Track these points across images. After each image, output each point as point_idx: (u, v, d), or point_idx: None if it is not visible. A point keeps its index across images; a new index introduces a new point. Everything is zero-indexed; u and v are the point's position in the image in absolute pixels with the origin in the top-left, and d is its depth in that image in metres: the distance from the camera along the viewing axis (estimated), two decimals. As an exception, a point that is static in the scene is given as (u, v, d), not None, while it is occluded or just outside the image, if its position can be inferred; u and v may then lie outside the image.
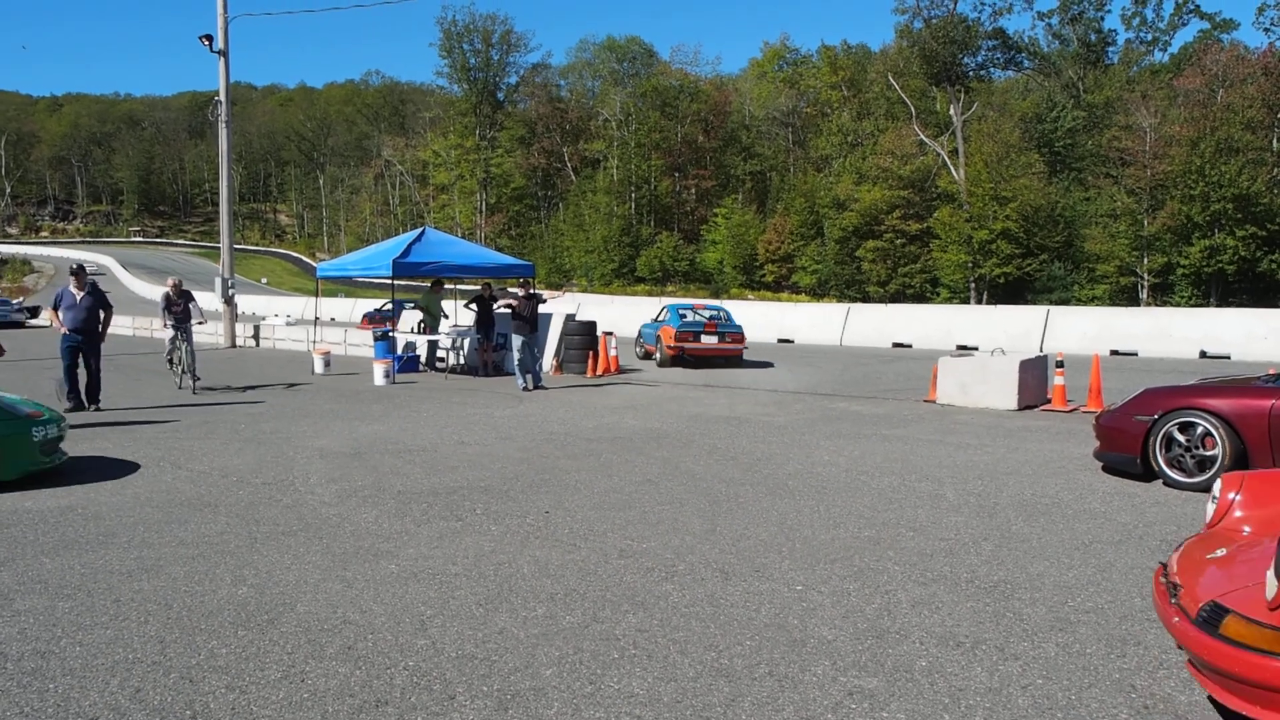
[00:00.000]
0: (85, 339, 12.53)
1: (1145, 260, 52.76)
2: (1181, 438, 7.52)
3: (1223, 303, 47.22)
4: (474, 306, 17.65)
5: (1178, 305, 47.12)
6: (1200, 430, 7.42)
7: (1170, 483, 7.54)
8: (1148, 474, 7.73)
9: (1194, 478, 7.40)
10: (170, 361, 16.05)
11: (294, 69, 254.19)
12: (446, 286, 21.01)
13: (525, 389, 14.95)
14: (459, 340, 19.06)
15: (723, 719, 3.54)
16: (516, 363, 15.25)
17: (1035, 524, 6.39)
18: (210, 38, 25.79)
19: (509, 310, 15.45)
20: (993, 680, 3.87)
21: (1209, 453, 7.37)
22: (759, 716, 3.56)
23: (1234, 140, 49.79)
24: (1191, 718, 3.54)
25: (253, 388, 15.62)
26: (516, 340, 15.15)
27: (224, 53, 26.13)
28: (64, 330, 12.46)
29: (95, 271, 15.57)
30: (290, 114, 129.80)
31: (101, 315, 12.80)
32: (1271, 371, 7.58)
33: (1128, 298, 52.37)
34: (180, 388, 14.98)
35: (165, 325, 16.32)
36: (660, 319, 21.22)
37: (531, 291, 15.83)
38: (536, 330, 15.58)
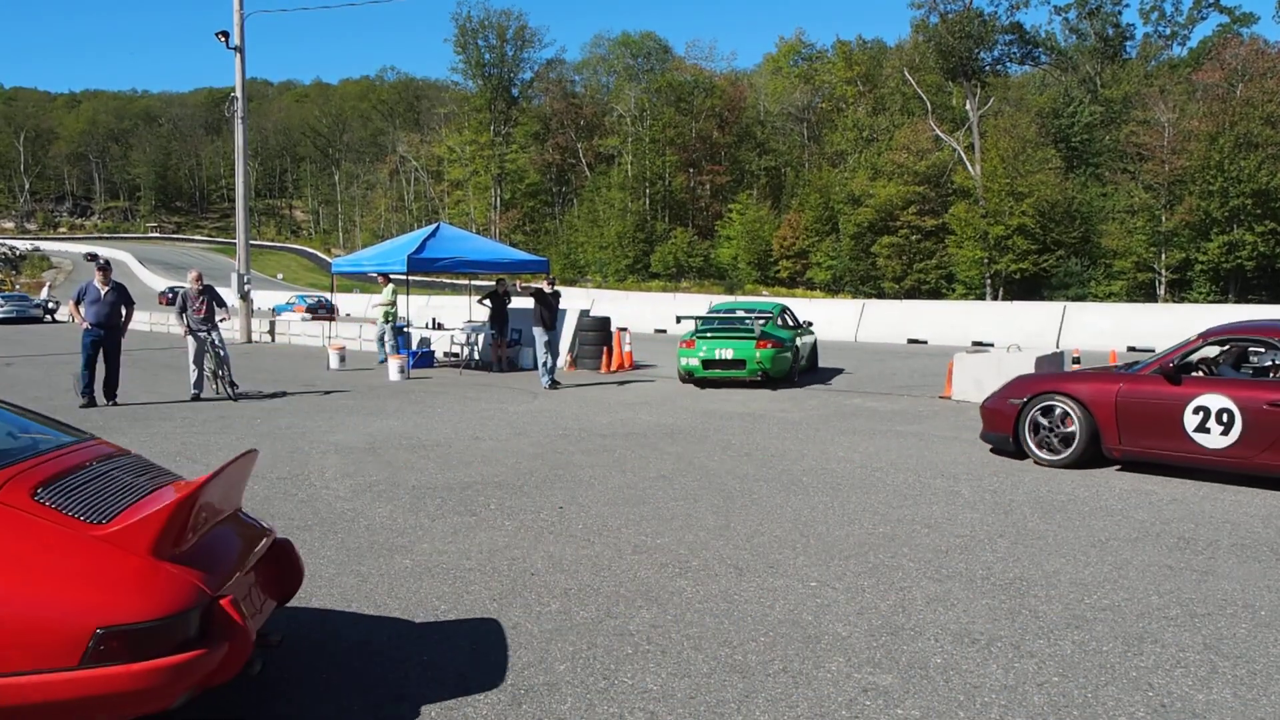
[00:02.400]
0: (107, 333, 12.63)
1: (1163, 256, 52.43)
2: (1044, 420, 8.43)
3: (1241, 299, 46.86)
4: (488, 303, 17.67)
5: (1196, 302, 46.79)
6: (1060, 411, 8.33)
7: (1038, 460, 8.41)
8: (1019, 452, 8.58)
9: (1058, 454, 8.30)
10: (203, 370, 13.59)
11: (310, 65, 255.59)
12: (460, 283, 21.08)
13: (547, 386, 14.67)
14: (473, 336, 19.10)
15: (736, 715, 3.54)
16: (540, 361, 14.96)
17: (1051, 521, 6.35)
18: (226, 34, 25.90)
19: (535, 297, 15.05)
20: (1008, 678, 3.85)
21: (1068, 430, 8.26)
22: (773, 713, 3.55)
23: (1253, 135, 49.38)
24: (1209, 716, 3.51)
25: (282, 393, 15.66)
26: (539, 337, 14.92)
27: (240, 49, 26.23)
28: (86, 325, 12.56)
29: (101, 266, 15.69)
30: (306, 110, 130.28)
31: (124, 311, 12.91)
32: (1116, 361, 8.42)
33: (1145, 294, 52.05)
34: (218, 393, 13.58)
35: (186, 331, 13.62)
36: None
37: (555, 289, 15.67)
38: (555, 328, 15.33)
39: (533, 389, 14.44)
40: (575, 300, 29.67)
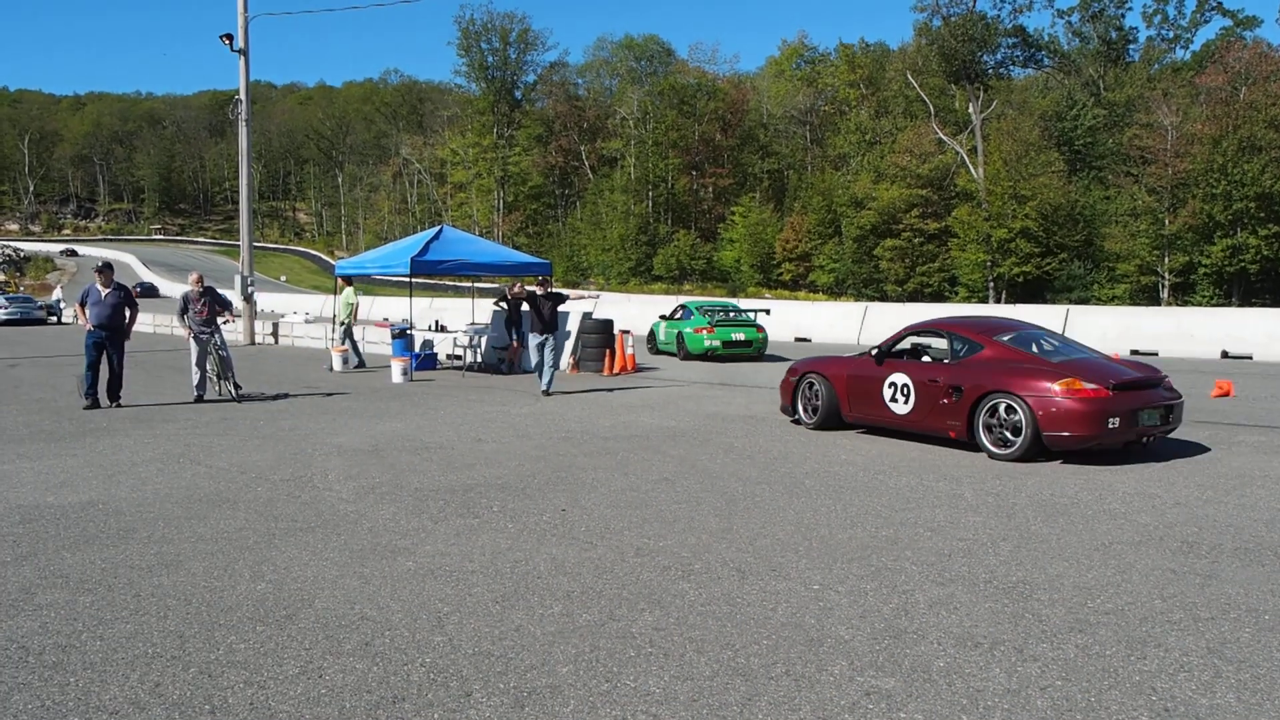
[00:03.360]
0: (110, 335, 12.66)
1: (1166, 259, 52.35)
2: (808, 393, 10.92)
3: (1245, 303, 46.80)
4: (504, 305, 17.71)
5: (1199, 305, 46.71)
6: (816, 387, 10.80)
7: (803, 423, 10.93)
8: (796, 419, 11.03)
9: (813, 419, 10.80)
10: (205, 372, 13.63)
11: (313, 68, 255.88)
12: (463, 285, 21.16)
13: (546, 392, 14.22)
14: (475, 338, 19.11)
15: (739, 718, 3.53)
16: (534, 364, 14.54)
17: (1054, 524, 6.34)
18: (231, 37, 25.95)
19: (527, 301, 14.62)
20: (1011, 681, 3.84)
21: (818, 402, 10.73)
22: (775, 716, 3.55)
23: (1257, 138, 49.28)
24: (1213, 721, 3.51)
25: (285, 395, 15.67)
26: (533, 340, 14.43)
27: (244, 52, 26.28)
28: (89, 326, 12.59)
29: (100, 267, 15.62)
30: (309, 112, 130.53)
31: (127, 313, 12.93)
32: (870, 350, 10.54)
33: (1148, 297, 51.98)
34: (221, 394, 13.64)
35: (189, 334, 13.60)
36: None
37: (552, 290, 15.04)
38: (555, 331, 14.68)
39: (535, 391, 14.44)
40: (578, 303, 29.60)
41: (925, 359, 10.19)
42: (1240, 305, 44.80)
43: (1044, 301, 47.84)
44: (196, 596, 4.91)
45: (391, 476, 8.03)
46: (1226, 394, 13.26)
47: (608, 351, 17.68)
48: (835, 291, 63.43)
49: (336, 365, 18.49)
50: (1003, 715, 3.54)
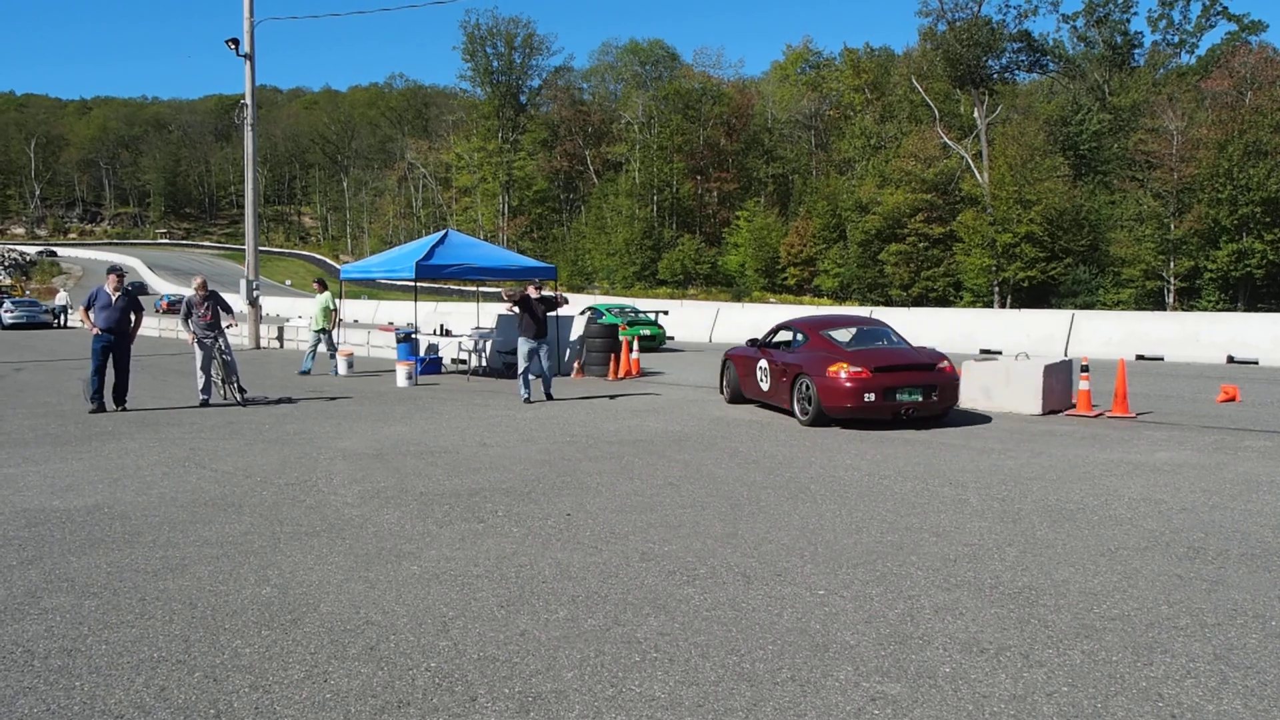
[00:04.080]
0: (116, 339, 12.67)
1: (1171, 264, 52.28)
2: (726, 375, 13.84)
3: (1250, 307, 46.72)
4: (516, 309, 17.69)
5: (1204, 309, 46.62)
6: (730, 370, 13.68)
7: (725, 397, 13.86)
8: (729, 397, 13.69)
9: (727, 395, 13.76)
10: (210, 376, 13.60)
11: (318, 72, 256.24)
12: (468, 290, 21.14)
13: (527, 399, 13.85)
14: (480, 343, 19.12)
15: (744, 723, 3.53)
16: (520, 370, 14.12)
17: (1060, 530, 6.33)
18: (236, 41, 26.00)
19: (519, 304, 14.16)
20: (1017, 687, 3.83)
21: (730, 383, 13.68)
22: (781, 721, 3.54)
23: (1262, 143, 49.25)
24: (1220, 727, 3.49)
25: (289, 399, 15.69)
26: (523, 346, 13.98)
27: (250, 56, 26.34)
28: (96, 330, 12.60)
29: (113, 270, 15.63)
30: (315, 117, 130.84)
31: (133, 317, 12.95)
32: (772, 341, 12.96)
33: (1154, 302, 51.90)
34: (226, 399, 13.64)
35: (193, 339, 13.54)
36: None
37: (544, 294, 14.75)
38: (545, 335, 14.25)
39: (536, 396, 14.37)
40: (583, 306, 29.70)
41: (782, 348, 12.53)
42: (1246, 310, 44.69)
43: (1049, 306, 47.78)
44: (201, 601, 4.91)
45: (396, 481, 8.03)
46: (1232, 399, 13.21)
47: (613, 356, 17.69)
48: (840, 296, 63.41)
49: (341, 369, 18.51)
50: (1009, 721, 3.53)
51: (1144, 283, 52.90)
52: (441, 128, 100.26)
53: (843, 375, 10.90)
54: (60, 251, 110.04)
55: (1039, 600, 4.89)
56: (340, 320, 21.05)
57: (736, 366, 13.43)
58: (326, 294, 19.62)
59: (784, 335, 12.73)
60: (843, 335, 12.12)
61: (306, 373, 18.37)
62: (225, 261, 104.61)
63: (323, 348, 19.15)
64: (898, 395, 10.89)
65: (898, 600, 4.89)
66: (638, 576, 5.31)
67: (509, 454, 9.39)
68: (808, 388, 11.26)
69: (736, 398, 13.46)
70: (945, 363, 11.51)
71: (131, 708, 3.66)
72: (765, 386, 12.45)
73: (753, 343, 13.28)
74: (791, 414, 11.75)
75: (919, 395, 10.94)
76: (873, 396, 10.78)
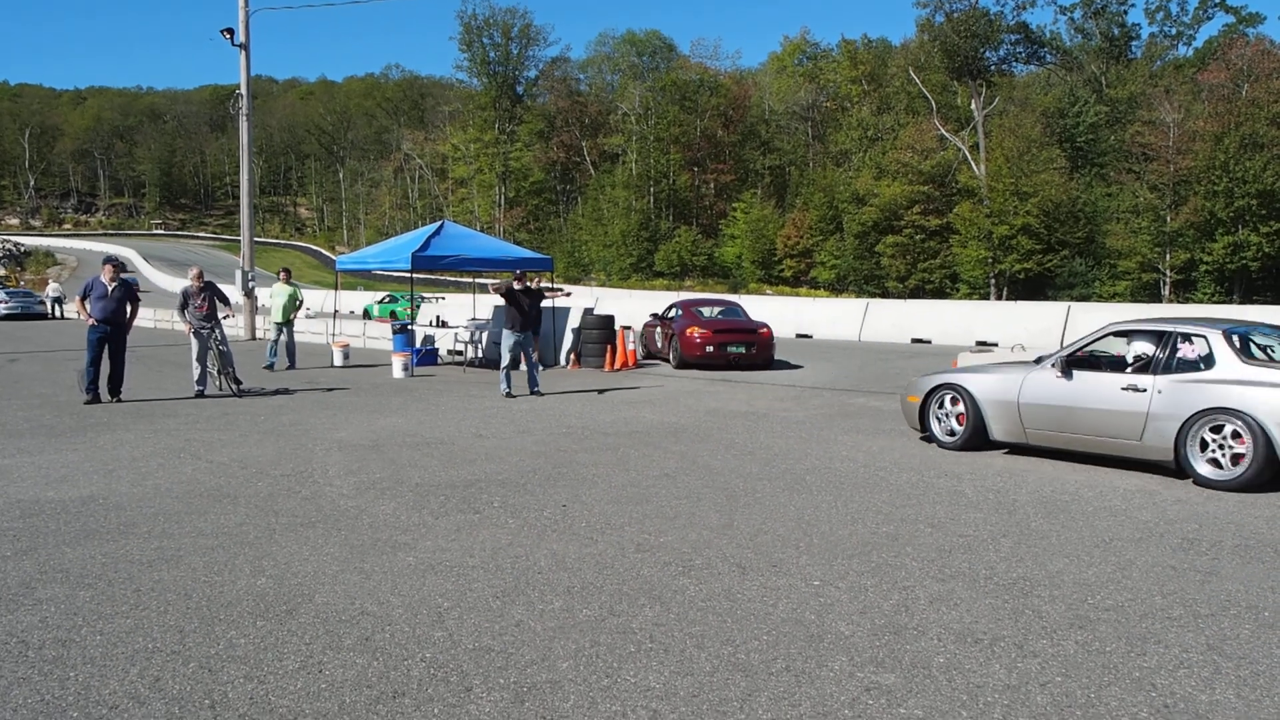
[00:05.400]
0: (112, 330, 12.62)
1: (1168, 257, 52.32)
2: (642, 338, 19.07)
3: (1246, 300, 46.76)
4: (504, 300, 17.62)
5: (1200, 302, 46.67)
6: (644, 335, 19.17)
7: (640, 354, 18.54)
8: (675, 362, 17.45)
9: (666, 355, 17.97)
10: (206, 367, 13.57)
11: (314, 63, 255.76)
12: (464, 281, 21.04)
13: (508, 394, 13.29)
14: (476, 334, 19.11)
15: (739, 714, 3.53)
16: (504, 364, 13.59)
17: (1054, 521, 6.34)
18: (231, 31, 25.91)
19: (504, 296, 13.63)
20: (1011, 677, 3.84)
21: (643, 343, 19.04)
22: (775, 711, 3.55)
23: (1259, 135, 49.24)
24: (1213, 717, 3.50)
25: (285, 390, 15.67)
26: (508, 339, 13.51)
27: (245, 46, 26.24)
28: (92, 321, 12.54)
29: (109, 260, 15.38)
30: (310, 107, 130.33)
31: (129, 308, 12.90)
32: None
33: (1150, 294, 51.95)
34: (221, 389, 13.57)
35: (189, 329, 13.54)
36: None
37: (531, 285, 14.37)
38: (531, 328, 13.80)
39: (520, 390, 14.03)
40: (580, 299, 29.72)
41: (669, 320, 18.24)
42: (1241, 302, 44.74)
43: (1045, 298, 47.82)
44: (196, 591, 4.91)
45: (392, 472, 8.03)
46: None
47: (609, 347, 17.68)
48: (837, 288, 63.45)
49: (338, 360, 18.47)
50: (1003, 711, 3.54)
51: (1140, 275, 52.94)
52: (438, 118, 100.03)
53: (695, 335, 16.94)
54: (55, 242, 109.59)
55: (1033, 591, 4.90)
56: (306, 309, 19.30)
57: (646, 331, 19.34)
58: (290, 286, 18.55)
59: (673, 312, 18.44)
60: (708, 311, 18.59)
61: (270, 367, 17.55)
62: (221, 252, 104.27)
63: (285, 337, 17.93)
64: (728, 349, 16.94)
65: (893, 591, 4.90)
66: (633, 567, 5.32)
67: (504, 445, 9.39)
68: (674, 342, 17.32)
69: (647, 355, 19.05)
70: (764, 329, 17.54)
71: (126, 698, 3.66)
72: (660, 345, 18.38)
73: (654, 316, 19.43)
74: (668, 360, 17.78)
75: (743, 349, 17.07)
76: (712, 349, 16.83)
